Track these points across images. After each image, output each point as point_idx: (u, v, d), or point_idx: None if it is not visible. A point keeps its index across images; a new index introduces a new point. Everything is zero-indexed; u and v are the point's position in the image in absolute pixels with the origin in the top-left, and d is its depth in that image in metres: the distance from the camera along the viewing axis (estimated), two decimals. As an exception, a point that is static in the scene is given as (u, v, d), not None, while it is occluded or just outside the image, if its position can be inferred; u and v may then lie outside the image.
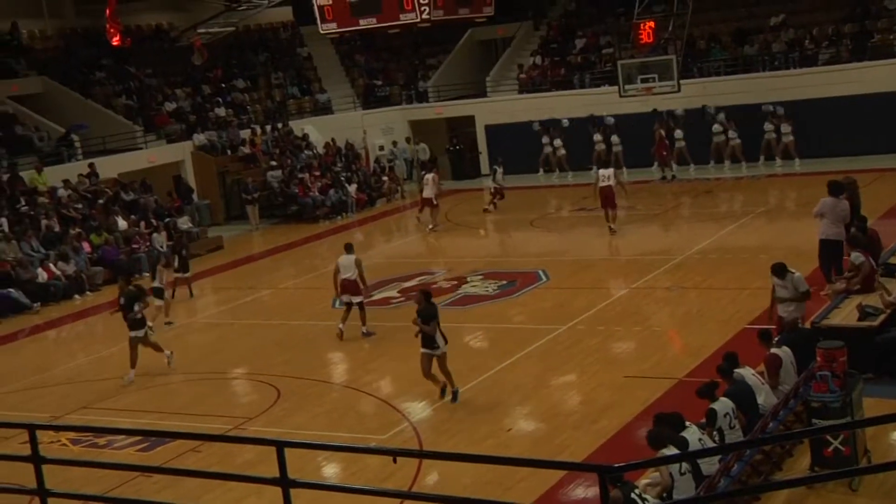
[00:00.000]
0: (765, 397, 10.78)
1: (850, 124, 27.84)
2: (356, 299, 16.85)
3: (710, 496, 8.55)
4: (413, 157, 34.91)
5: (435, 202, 25.71)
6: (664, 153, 29.28)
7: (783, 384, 11.08)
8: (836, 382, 10.09)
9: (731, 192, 27.45)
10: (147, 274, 24.18)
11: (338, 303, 17.77)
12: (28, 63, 30.90)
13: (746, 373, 10.95)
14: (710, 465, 9.35)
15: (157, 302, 18.89)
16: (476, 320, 17.58)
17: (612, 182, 22.78)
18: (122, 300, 16.29)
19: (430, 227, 25.71)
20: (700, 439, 9.54)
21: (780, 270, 13.24)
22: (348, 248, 17.17)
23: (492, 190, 28.09)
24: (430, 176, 25.96)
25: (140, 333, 15.97)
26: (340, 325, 16.96)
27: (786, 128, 28.73)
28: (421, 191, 26.56)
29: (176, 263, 21.04)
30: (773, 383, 11.04)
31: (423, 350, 13.32)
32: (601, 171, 23.26)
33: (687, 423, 9.70)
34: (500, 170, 28.26)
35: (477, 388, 14.06)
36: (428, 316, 13.24)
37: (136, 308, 15.94)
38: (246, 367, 16.53)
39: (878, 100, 27.62)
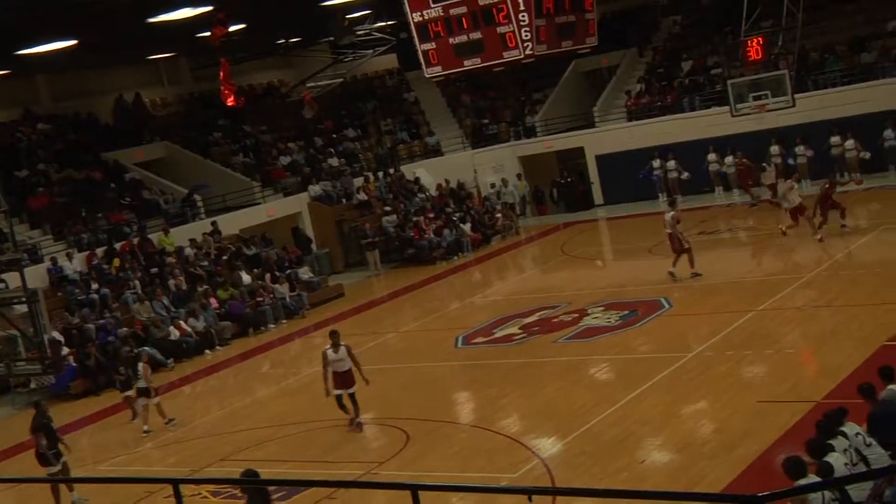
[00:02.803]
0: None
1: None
2: (350, 390, 15.39)
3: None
4: (523, 193, 34.92)
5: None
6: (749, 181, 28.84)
7: (932, 402, 10.53)
8: None
9: (856, 205, 26.46)
10: (272, 325, 24.86)
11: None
12: (151, 130, 32.34)
13: None
14: (860, 492, 8.93)
15: (148, 401, 17.60)
16: (600, 352, 17.36)
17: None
18: (38, 430, 14.39)
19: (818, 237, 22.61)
20: (846, 464, 9.14)
21: None
22: (333, 337, 15.51)
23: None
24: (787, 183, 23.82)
25: (54, 469, 14.33)
26: (357, 419, 15.56)
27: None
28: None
29: (118, 384, 19.17)
30: (920, 401, 10.51)
31: None
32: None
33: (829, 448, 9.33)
34: (769, 168, 28.02)
35: (606, 421, 13.84)
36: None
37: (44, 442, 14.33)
38: (374, 411, 16.66)
39: None
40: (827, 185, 23.09)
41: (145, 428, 17.47)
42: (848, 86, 29.60)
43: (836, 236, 22.17)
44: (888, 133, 28.23)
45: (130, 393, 18.31)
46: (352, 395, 15.39)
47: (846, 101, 28.84)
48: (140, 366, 17.79)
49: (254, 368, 21.85)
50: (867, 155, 28.32)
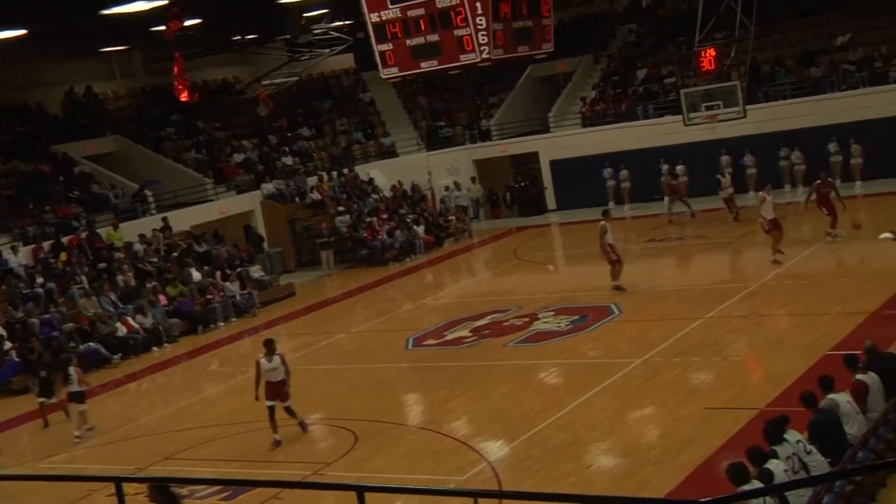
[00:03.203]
0: (857, 428, 10.42)
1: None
2: (285, 403, 15.03)
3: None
4: (477, 196, 35.04)
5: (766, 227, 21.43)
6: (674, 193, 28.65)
7: (872, 411, 10.76)
8: (928, 407, 9.76)
9: (802, 216, 26.91)
10: (222, 323, 24.64)
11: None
12: (102, 123, 31.89)
13: (842, 399, 10.60)
14: (799, 498, 9.09)
15: (80, 407, 16.96)
16: (550, 357, 17.45)
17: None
18: None
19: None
20: (786, 470, 9.30)
21: None
22: (268, 346, 15.09)
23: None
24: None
25: None
26: (276, 436, 14.91)
27: (856, 150, 28.29)
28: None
29: (36, 387, 18.21)
30: (861, 410, 10.73)
31: None
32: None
33: (770, 455, 9.49)
34: (723, 179, 27.33)
35: (554, 426, 13.91)
36: None
37: None
38: (323, 412, 16.60)
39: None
40: (819, 183, 22.48)
41: (77, 433, 16.78)
42: (797, 99, 30.11)
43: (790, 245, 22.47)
44: (833, 146, 28.77)
45: (53, 400, 17.76)
46: (287, 409, 14.98)
47: (795, 114, 29.33)
48: (71, 369, 17.11)
49: (202, 366, 21.66)
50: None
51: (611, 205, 31.63)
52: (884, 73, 29.35)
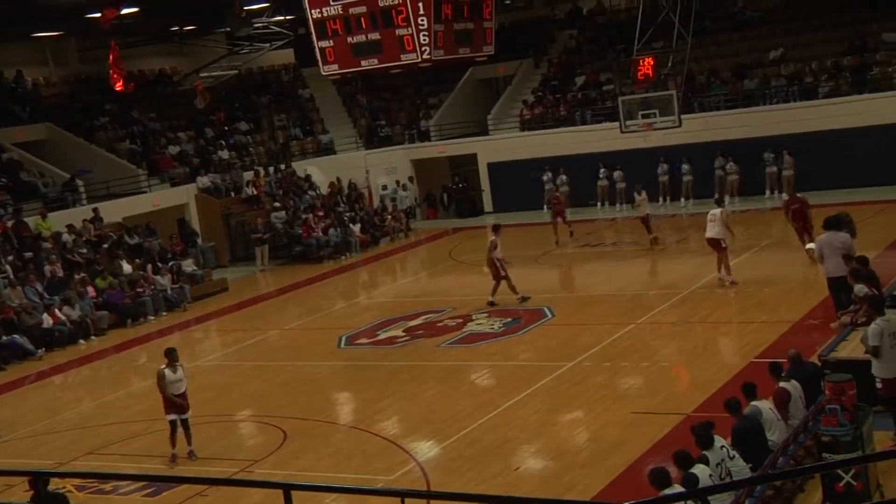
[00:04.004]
0: (779, 434, 10.66)
1: (850, 157, 27.91)
2: (185, 415, 14.12)
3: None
4: (414, 196, 35.09)
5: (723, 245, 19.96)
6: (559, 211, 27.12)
7: (793, 418, 11.02)
8: (846, 416, 10.03)
9: (734, 226, 27.45)
10: (152, 317, 24.26)
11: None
12: (33, 110, 31.16)
13: (764, 406, 10.83)
14: (721, 502, 9.26)
15: None
16: (482, 358, 17.53)
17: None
18: None
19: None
20: (711, 476, 9.47)
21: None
22: (171, 355, 14.19)
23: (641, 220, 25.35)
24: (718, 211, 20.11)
25: None
26: (190, 447, 14.13)
27: (788, 161, 28.90)
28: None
29: None
30: (782, 417, 10.98)
31: None
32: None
33: (700, 459, 9.66)
34: (638, 197, 25.16)
35: (484, 427, 13.97)
36: None
37: None
38: (252, 409, 16.46)
39: (878, 132, 27.70)
40: (788, 200, 21.70)
41: None
42: (730, 110, 30.70)
43: (712, 255, 22.84)
44: (768, 156, 29.39)
45: None
46: (185, 421, 14.04)
47: (728, 125, 29.91)
48: None
49: (130, 360, 21.29)
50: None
51: (545, 208, 31.90)
52: (813, 88, 30.09)
